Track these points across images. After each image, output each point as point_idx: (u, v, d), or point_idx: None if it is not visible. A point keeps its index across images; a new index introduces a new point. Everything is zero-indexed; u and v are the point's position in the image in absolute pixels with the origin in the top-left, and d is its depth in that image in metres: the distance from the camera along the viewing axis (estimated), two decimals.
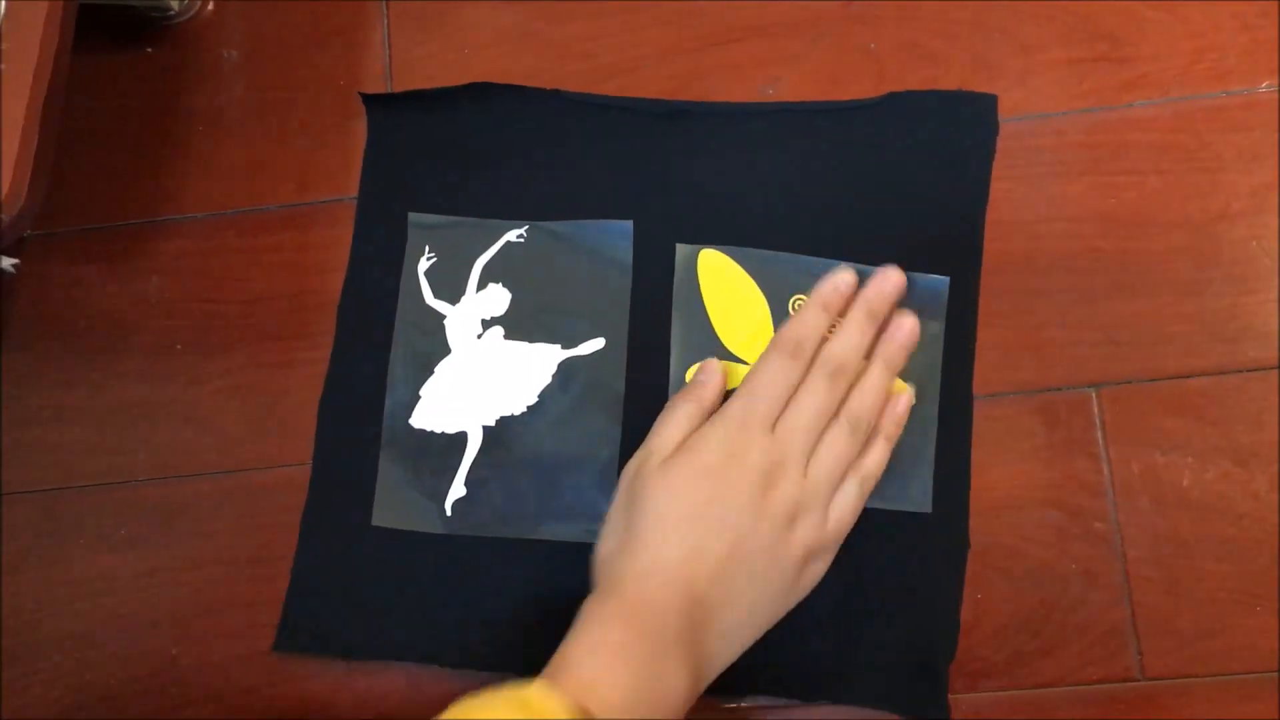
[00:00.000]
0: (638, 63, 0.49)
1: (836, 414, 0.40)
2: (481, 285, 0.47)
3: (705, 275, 0.46)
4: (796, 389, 0.40)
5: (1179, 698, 0.42)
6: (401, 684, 0.45)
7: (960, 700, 0.42)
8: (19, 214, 0.40)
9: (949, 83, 0.47)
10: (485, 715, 0.34)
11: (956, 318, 0.45)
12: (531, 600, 0.44)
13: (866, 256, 0.45)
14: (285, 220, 0.50)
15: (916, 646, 0.42)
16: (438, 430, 0.46)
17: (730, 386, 0.45)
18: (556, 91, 0.49)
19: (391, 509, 0.46)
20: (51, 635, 0.47)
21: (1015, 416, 0.44)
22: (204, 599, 0.46)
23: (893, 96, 0.47)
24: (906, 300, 0.44)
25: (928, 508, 0.43)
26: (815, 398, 0.39)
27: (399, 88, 0.50)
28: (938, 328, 0.45)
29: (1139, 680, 0.42)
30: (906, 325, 0.41)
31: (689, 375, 0.45)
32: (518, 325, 0.47)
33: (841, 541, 0.40)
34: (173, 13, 0.52)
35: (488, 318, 0.47)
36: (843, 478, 0.40)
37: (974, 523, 0.43)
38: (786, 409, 0.39)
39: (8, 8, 0.41)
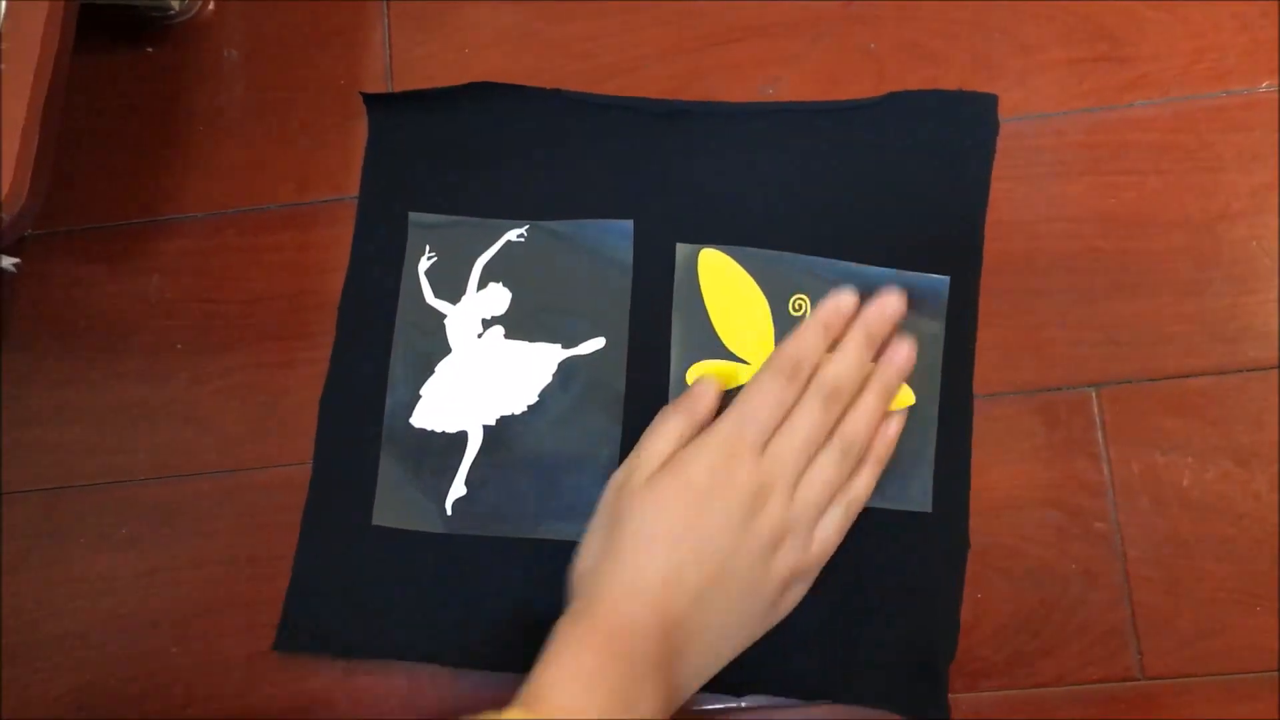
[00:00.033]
0: (638, 63, 0.49)
1: (829, 435, 0.39)
2: (482, 285, 0.47)
3: (706, 275, 0.46)
4: (790, 409, 0.39)
5: (1179, 698, 0.42)
6: (401, 684, 0.45)
7: (960, 700, 0.42)
8: (19, 213, 0.40)
9: (949, 83, 0.47)
10: None
11: (957, 317, 0.45)
12: (531, 600, 0.44)
13: (867, 256, 0.45)
14: (286, 220, 0.50)
15: (916, 646, 0.42)
16: (438, 430, 0.46)
17: (730, 386, 0.45)
18: (557, 91, 0.49)
19: (392, 508, 0.46)
20: (51, 635, 0.47)
21: (1015, 416, 0.44)
22: (204, 599, 0.46)
23: (893, 96, 0.47)
24: (907, 301, 0.45)
25: (928, 507, 0.43)
26: (808, 421, 0.39)
27: (399, 87, 0.50)
28: (938, 328, 0.45)
29: (1139, 680, 0.42)
30: (903, 350, 0.41)
31: (689, 375, 0.45)
32: (518, 325, 0.47)
33: (824, 564, 0.40)
34: (173, 12, 0.52)
35: (488, 317, 0.47)
36: (830, 501, 0.40)
37: (974, 522, 0.43)
38: (779, 430, 0.39)
39: (8, 8, 0.41)
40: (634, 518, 0.38)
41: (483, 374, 0.46)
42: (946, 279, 0.45)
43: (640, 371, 0.46)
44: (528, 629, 0.43)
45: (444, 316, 0.47)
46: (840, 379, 0.39)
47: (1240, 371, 0.44)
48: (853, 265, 0.45)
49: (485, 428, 0.46)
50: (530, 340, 0.46)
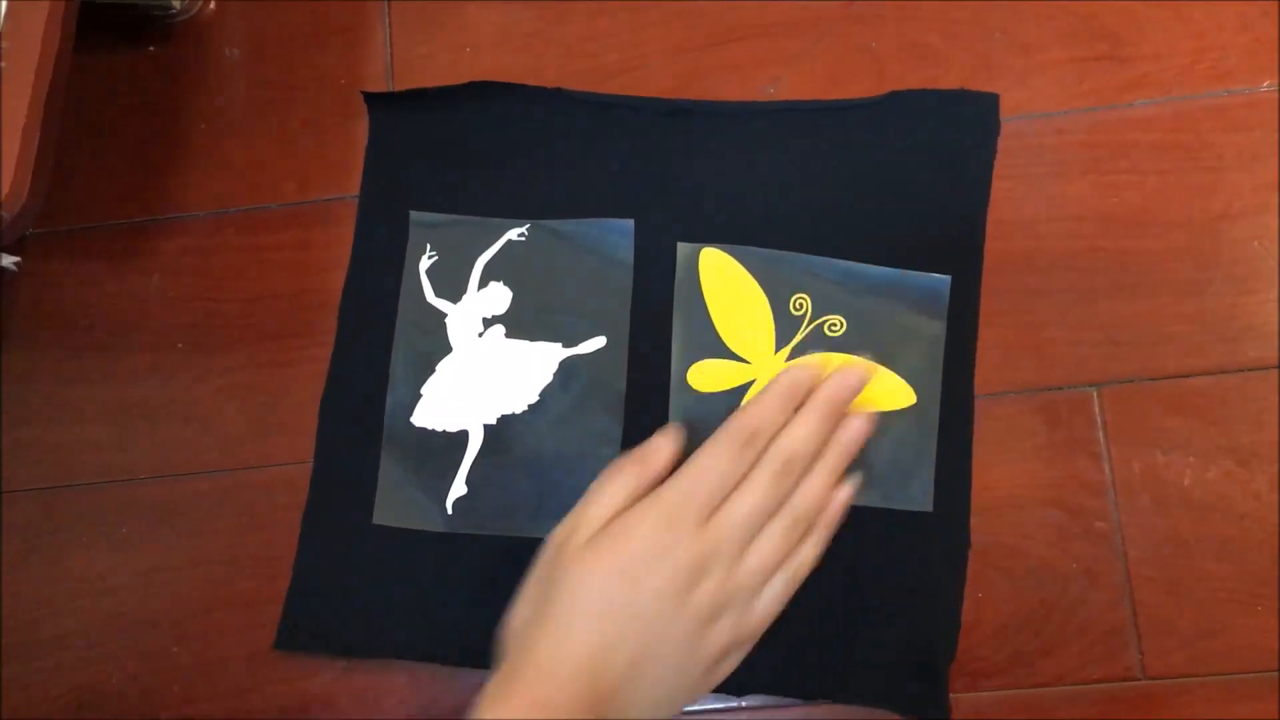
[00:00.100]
0: (639, 62, 0.49)
1: (780, 505, 0.39)
2: (483, 284, 0.47)
3: (706, 274, 0.46)
4: (742, 478, 0.38)
5: (1179, 697, 0.42)
6: (401, 683, 0.45)
7: (960, 700, 0.42)
8: (20, 212, 0.40)
9: (950, 82, 0.47)
10: None
11: (957, 317, 0.45)
12: None
13: (868, 255, 0.45)
14: (286, 219, 0.50)
15: (916, 646, 0.42)
16: (439, 429, 0.46)
17: (729, 386, 0.45)
18: (558, 90, 0.49)
19: (392, 507, 0.45)
20: (51, 635, 0.46)
21: (1016, 416, 0.44)
22: (204, 598, 0.46)
23: (894, 96, 0.47)
24: (908, 300, 0.45)
25: (928, 507, 0.43)
26: (757, 494, 0.38)
27: (400, 86, 0.50)
28: (939, 327, 0.45)
29: (1139, 680, 0.42)
30: (856, 426, 0.40)
31: (690, 375, 0.45)
32: (519, 324, 0.47)
33: (762, 633, 0.39)
34: (174, 11, 0.52)
35: (489, 316, 0.47)
36: (774, 571, 0.39)
37: (975, 522, 0.43)
38: (728, 499, 0.38)
39: (8, 7, 0.41)
40: (569, 583, 0.37)
41: (483, 373, 0.46)
42: (948, 279, 0.45)
43: (641, 371, 0.46)
44: None
45: (445, 315, 0.47)
46: (796, 451, 0.39)
47: (1241, 371, 0.44)
48: (854, 265, 0.45)
49: (486, 427, 0.46)
50: (531, 339, 0.46)
